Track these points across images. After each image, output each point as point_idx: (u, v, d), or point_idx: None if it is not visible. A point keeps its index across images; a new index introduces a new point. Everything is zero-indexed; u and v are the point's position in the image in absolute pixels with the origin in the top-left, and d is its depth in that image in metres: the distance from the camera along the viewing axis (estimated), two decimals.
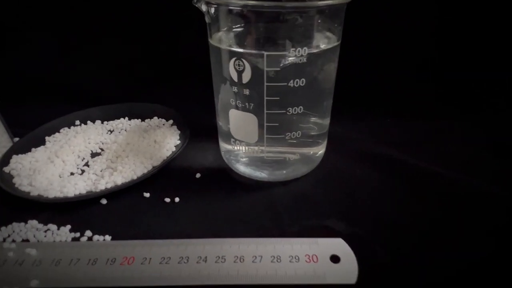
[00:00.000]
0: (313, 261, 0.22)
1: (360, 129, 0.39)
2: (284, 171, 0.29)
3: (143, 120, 0.39)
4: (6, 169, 0.30)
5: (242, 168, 0.30)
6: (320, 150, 0.31)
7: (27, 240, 0.24)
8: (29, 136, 0.35)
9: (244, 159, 0.29)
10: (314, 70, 0.24)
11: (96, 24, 0.44)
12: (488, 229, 0.25)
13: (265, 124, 0.26)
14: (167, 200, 0.28)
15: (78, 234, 0.25)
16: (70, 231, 0.25)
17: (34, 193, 0.27)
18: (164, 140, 0.34)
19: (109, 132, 0.37)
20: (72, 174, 0.30)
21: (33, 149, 0.33)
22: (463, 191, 0.29)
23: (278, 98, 0.24)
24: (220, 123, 0.29)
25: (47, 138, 0.35)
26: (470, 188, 0.29)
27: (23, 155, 0.32)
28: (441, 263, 0.22)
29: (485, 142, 0.36)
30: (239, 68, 0.24)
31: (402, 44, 0.43)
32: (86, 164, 0.32)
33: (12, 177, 0.29)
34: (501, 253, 0.23)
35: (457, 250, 0.23)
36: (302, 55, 0.23)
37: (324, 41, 0.25)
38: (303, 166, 0.30)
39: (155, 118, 0.39)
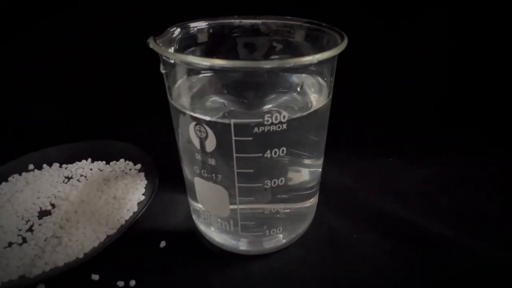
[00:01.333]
0: None
1: (357, 173, 0.34)
2: (265, 243, 0.24)
3: (107, 162, 0.34)
4: None
5: (214, 236, 0.24)
6: (309, 212, 0.25)
7: None
8: None
9: (215, 226, 0.24)
10: (299, 136, 0.19)
11: (51, 48, 0.39)
12: None
13: (237, 198, 0.20)
14: (120, 284, 0.23)
15: None
16: None
17: None
18: (126, 196, 0.29)
19: (66, 180, 0.32)
20: (10, 244, 0.25)
21: None
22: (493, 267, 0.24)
23: (252, 170, 0.19)
24: (186, 174, 0.24)
25: None
26: (502, 264, 0.24)
27: None
28: None
29: None
30: (200, 135, 0.19)
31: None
32: (30, 229, 0.27)
33: None
34: None
35: None
36: (281, 122, 0.18)
37: (311, 101, 0.20)
38: (289, 234, 0.24)
39: (122, 160, 0.34)
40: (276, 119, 0.17)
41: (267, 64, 0.16)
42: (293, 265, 0.24)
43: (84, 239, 0.24)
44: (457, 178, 0.33)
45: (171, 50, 0.22)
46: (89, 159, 0.35)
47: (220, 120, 0.18)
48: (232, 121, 0.17)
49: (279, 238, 0.24)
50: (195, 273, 0.24)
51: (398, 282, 0.23)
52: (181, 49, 0.23)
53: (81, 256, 0.23)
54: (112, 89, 0.44)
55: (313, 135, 0.21)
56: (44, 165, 0.34)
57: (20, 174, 0.32)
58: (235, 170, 0.19)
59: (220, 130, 0.18)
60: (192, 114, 0.18)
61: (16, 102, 0.42)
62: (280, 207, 0.22)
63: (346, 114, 0.34)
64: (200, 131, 0.18)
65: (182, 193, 0.28)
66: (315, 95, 0.20)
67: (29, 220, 0.27)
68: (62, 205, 0.28)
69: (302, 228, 0.25)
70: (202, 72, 0.20)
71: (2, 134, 0.38)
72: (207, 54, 0.24)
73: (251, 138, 0.18)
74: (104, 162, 0.34)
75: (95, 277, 0.23)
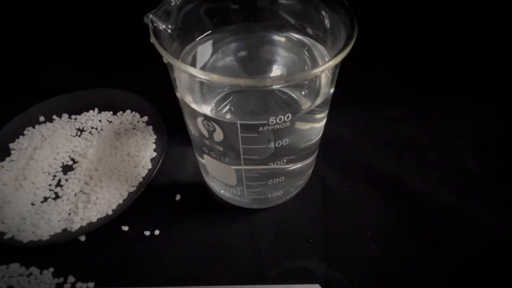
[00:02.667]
0: None
1: (356, 122, 0.35)
2: (267, 200, 0.27)
3: (114, 113, 0.35)
4: None
5: (222, 193, 0.28)
6: (309, 168, 0.28)
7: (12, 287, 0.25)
8: None
9: (223, 188, 0.27)
10: (302, 129, 0.20)
11: None
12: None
13: (243, 175, 0.23)
14: (147, 233, 0.27)
15: (61, 279, 0.25)
16: (53, 275, 0.25)
17: (8, 235, 0.26)
18: (139, 153, 0.31)
19: (79, 133, 0.34)
20: (45, 199, 0.29)
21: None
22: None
23: (257, 156, 0.21)
24: (195, 149, 0.26)
25: (11, 145, 0.32)
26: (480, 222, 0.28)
27: None
28: None
29: None
30: (208, 128, 0.20)
31: None
32: (59, 184, 0.30)
33: None
34: None
35: None
36: (284, 121, 0.18)
37: (315, 99, 0.20)
38: (289, 191, 0.28)
39: (128, 111, 0.35)
40: (280, 120, 0.18)
41: (271, 82, 0.16)
42: (290, 218, 0.28)
43: (109, 197, 0.28)
44: (452, 131, 0.35)
45: (172, 18, 0.21)
46: (96, 109, 0.36)
47: (227, 120, 0.19)
48: (239, 122, 0.18)
49: (280, 195, 0.27)
50: (207, 223, 0.28)
51: (381, 234, 0.27)
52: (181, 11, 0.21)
53: (110, 212, 0.27)
54: (110, 40, 0.41)
55: (317, 114, 0.22)
56: (54, 116, 0.35)
57: (33, 127, 0.34)
58: (242, 157, 0.21)
59: (227, 127, 0.19)
60: (199, 111, 0.19)
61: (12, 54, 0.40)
62: (283, 169, 0.24)
63: (348, 65, 0.34)
64: (208, 125, 0.19)
65: (189, 147, 0.31)
66: (319, 91, 0.20)
67: (55, 176, 0.31)
68: (82, 162, 0.31)
69: (301, 183, 0.29)
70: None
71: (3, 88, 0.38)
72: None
73: (256, 135, 0.19)
74: (111, 112, 0.35)
75: (125, 228, 0.28)
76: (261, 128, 0.19)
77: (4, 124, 0.33)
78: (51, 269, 0.26)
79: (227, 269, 0.26)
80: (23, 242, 0.26)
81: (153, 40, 0.17)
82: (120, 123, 0.34)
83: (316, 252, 0.26)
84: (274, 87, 0.21)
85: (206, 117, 0.19)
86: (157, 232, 0.27)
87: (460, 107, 0.36)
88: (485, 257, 0.26)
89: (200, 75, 0.16)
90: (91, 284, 0.25)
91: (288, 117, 0.18)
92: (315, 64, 0.22)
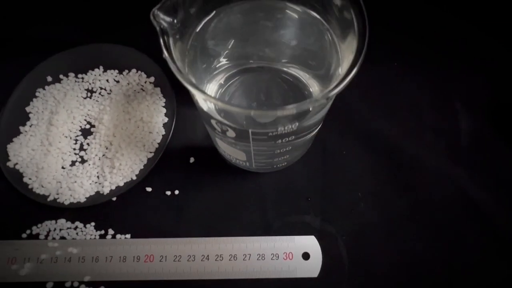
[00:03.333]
0: (289, 258, 0.29)
1: (359, 82, 0.36)
2: (274, 167, 0.31)
3: (120, 72, 0.36)
4: (9, 164, 0.31)
5: (230, 159, 0.31)
6: (313, 137, 0.31)
7: (64, 238, 0.30)
8: (8, 108, 0.33)
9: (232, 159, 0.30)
10: (309, 124, 0.22)
11: None
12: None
13: (252, 154, 0.26)
14: (168, 193, 0.32)
15: (102, 232, 0.30)
16: (95, 228, 0.31)
17: (50, 197, 0.30)
18: (152, 119, 0.33)
19: (89, 94, 0.35)
20: (73, 163, 0.32)
21: (20, 128, 0.33)
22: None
23: (266, 148, 0.23)
24: (207, 129, 0.28)
25: (27, 109, 0.34)
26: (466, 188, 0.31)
27: (17, 143, 0.32)
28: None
29: None
30: (221, 127, 0.21)
31: None
32: (82, 148, 0.33)
33: (20, 174, 0.31)
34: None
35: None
36: (292, 128, 0.20)
37: (323, 104, 0.21)
38: (294, 158, 0.31)
39: (133, 71, 0.35)
40: (288, 128, 0.20)
41: (281, 111, 0.17)
42: (292, 180, 0.32)
43: (131, 163, 0.31)
44: (450, 90, 0.36)
45: (180, 12, 0.20)
46: (101, 67, 0.36)
47: (239, 127, 0.20)
48: (250, 130, 0.20)
49: (285, 164, 0.30)
50: (219, 182, 0.32)
51: (370, 194, 0.31)
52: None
53: (134, 177, 0.31)
54: None
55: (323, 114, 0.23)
56: (61, 76, 0.35)
57: (44, 88, 0.35)
58: (252, 148, 0.23)
59: (239, 132, 0.21)
60: (213, 117, 0.20)
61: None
62: (289, 143, 0.27)
63: None
64: (221, 124, 0.21)
65: (197, 110, 0.32)
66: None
67: (76, 140, 0.33)
68: (100, 128, 0.33)
69: (304, 150, 0.32)
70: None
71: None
72: None
73: (265, 137, 0.21)
74: (117, 71, 0.36)
75: (149, 189, 0.32)
76: (270, 134, 0.20)
77: (13, 84, 0.34)
78: (93, 223, 0.31)
79: (238, 223, 0.31)
80: (65, 204, 0.30)
81: (165, 56, 0.18)
82: (128, 84, 0.35)
83: (313, 209, 0.31)
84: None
85: (220, 121, 0.21)
86: (176, 192, 0.32)
87: (463, 68, 0.36)
88: (458, 218, 0.31)
89: (219, 103, 0.17)
90: (128, 235, 0.30)
91: (295, 125, 0.20)
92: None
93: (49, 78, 0.35)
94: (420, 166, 0.33)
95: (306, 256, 0.30)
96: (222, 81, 0.26)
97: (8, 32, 0.38)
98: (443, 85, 0.36)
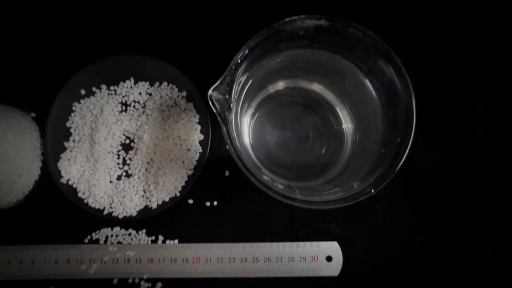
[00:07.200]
0: (315, 260, 0.35)
1: None
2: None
3: (151, 84, 0.36)
4: (63, 181, 0.34)
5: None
6: None
7: (120, 243, 0.35)
8: (50, 123, 0.35)
9: None
10: None
11: None
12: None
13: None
14: (208, 204, 0.35)
15: (153, 237, 0.35)
16: (147, 234, 0.35)
17: (106, 211, 0.34)
18: (188, 137, 0.35)
19: (123, 107, 0.36)
20: (119, 177, 0.35)
21: (65, 144, 0.35)
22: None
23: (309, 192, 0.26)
24: None
25: (67, 124, 0.35)
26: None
27: (65, 160, 0.35)
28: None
29: None
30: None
31: None
32: (125, 163, 0.35)
33: (74, 189, 0.34)
34: None
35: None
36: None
37: None
38: None
39: (165, 84, 0.36)
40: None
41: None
42: None
43: (174, 180, 0.34)
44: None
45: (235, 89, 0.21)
46: (132, 79, 0.36)
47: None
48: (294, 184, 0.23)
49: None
50: (253, 194, 0.36)
51: (387, 206, 0.35)
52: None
53: (177, 194, 0.34)
54: None
55: None
56: (94, 89, 0.36)
57: (79, 102, 0.36)
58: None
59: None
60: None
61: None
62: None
63: None
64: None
65: None
66: None
67: (118, 155, 0.36)
68: (140, 145, 0.35)
69: None
70: None
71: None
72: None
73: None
74: (148, 83, 0.36)
75: (191, 201, 0.35)
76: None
77: (49, 98, 0.35)
78: (144, 230, 0.35)
79: (270, 230, 0.35)
80: (119, 218, 0.34)
81: (229, 148, 0.19)
82: (161, 98, 0.36)
83: (336, 218, 0.35)
84: None
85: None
86: (215, 203, 0.35)
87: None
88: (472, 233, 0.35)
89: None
90: (176, 241, 0.35)
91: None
92: None
93: (83, 91, 0.36)
94: (434, 180, 0.36)
95: (329, 258, 0.35)
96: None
97: (37, 47, 0.37)
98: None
